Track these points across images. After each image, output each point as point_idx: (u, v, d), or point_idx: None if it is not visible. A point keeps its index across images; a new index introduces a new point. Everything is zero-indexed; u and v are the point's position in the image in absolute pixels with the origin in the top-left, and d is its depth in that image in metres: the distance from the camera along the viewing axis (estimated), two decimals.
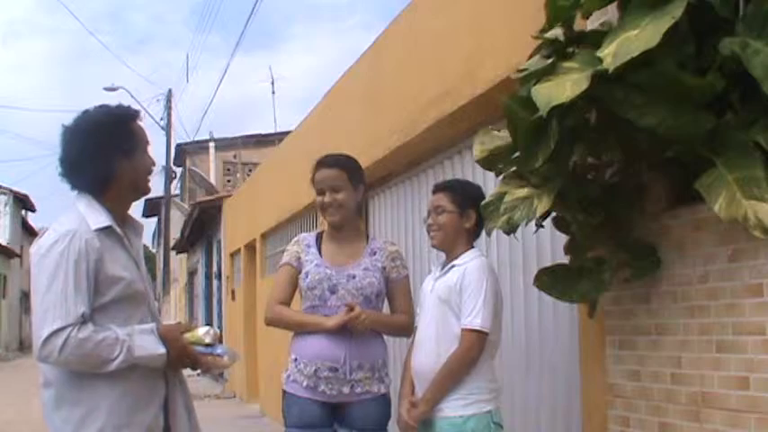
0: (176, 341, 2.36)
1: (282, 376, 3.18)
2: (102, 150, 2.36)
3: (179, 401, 2.49)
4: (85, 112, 2.45)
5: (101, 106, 2.49)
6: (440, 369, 2.75)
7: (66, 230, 2.28)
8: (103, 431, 2.26)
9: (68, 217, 2.35)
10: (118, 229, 2.38)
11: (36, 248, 2.33)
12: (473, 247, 2.94)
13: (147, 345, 2.29)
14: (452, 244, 2.91)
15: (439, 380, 2.76)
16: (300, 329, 3.12)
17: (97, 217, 2.34)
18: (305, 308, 3.15)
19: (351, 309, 2.97)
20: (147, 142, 2.49)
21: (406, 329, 3.09)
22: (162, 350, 2.31)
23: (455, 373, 2.74)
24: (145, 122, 2.55)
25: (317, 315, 3.07)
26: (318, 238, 3.23)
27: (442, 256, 3.00)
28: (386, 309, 3.26)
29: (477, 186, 3.06)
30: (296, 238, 3.31)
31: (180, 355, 2.38)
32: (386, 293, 3.17)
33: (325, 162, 3.20)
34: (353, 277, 3.08)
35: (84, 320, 2.22)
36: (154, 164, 2.55)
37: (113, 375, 2.27)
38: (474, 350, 2.74)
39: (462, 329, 2.74)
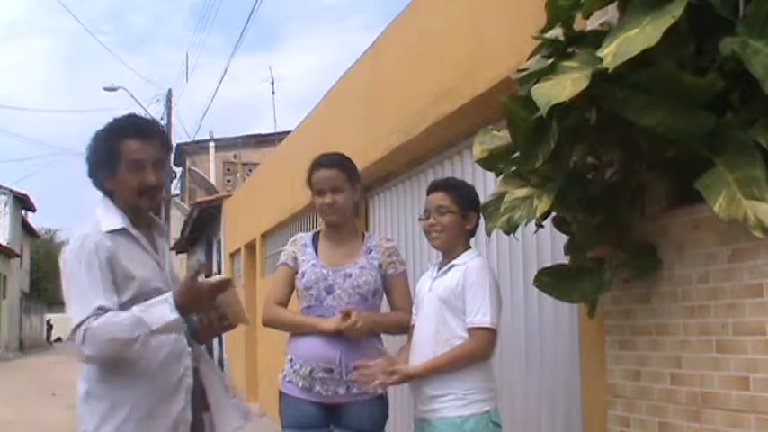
0: (183, 295, 2.35)
1: (279, 377, 3.17)
2: (95, 165, 2.50)
3: (216, 393, 2.57)
4: (108, 121, 2.56)
5: (118, 117, 2.56)
6: (447, 351, 2.75)
7: (78, 236, 2.43)
8: (126, 423, 2.34)
9: (85, 224, 2.49)
10: (132, 231, 2.47)
11: (61, 258, 2.45)
12: (470, 246, 2.94)
13: (161, 315, 2.31)
14: (453, 245, 2.90)
15: (440, 359, 2.75)
16: (296, 330, 3.11)
17: (110, 219, 2.45)
18: (301, 308, 3.15)
19: (347, 314, 2.96)
20: (136, 162, 2.45)
21: (406, 326, 3.08)
22: (174, 315, 2.32)
23: (458, 364, 2.74)
24: (142, 139, 2.47)
25: (313, 316, 3.07)
26: (315, 238, 3.23)
27: (441, 255, 2.99)
28: (384, 306, 3.26)
29: (472, 186, 3.07)
30: (293, 238, 3.30)
31: (192, 300, 2.37)
32: (383, 290, 3.17)
33: (324, 162, 3.18)
34: (349, 276, 3.08)
35: (103, 312, 2.29)
36: (143, 184, 2.46)
37: (138, 370, 2.35)
38: (486, 348, 2.75)
39: (471, 328, 2.74)
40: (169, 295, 2.35)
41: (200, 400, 2.54)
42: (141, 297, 2.38)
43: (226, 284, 2.43)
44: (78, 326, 2.27)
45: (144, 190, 2.47)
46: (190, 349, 2.50)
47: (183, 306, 2.34)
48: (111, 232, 2.42)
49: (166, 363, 2.42)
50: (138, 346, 2.29)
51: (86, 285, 2.32)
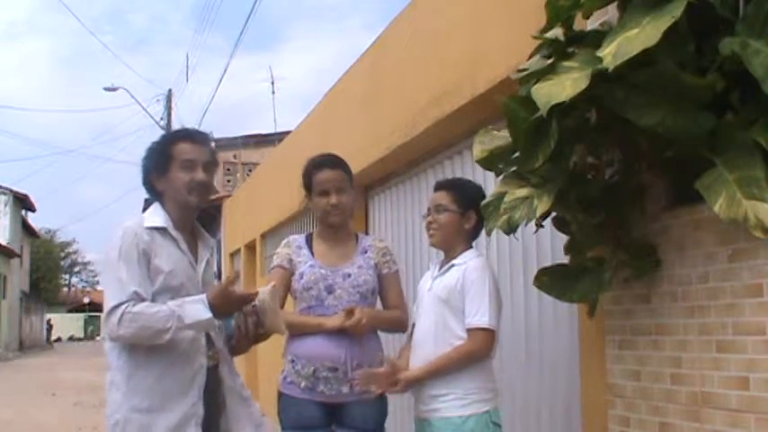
0: (217, 297, 2.56)
1: (278, 378, 3.16)
2: (149, 169, 2.73)
3: (232, 399, 2.74)
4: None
5: (165, 132, 2.82)
6: (446, 353, 2.75)
7: (121, 227, 2.65)
8: (133, 413, 2.55)
9: (130, 219, 2.71)
10: (173, 232, 2.68)
11: (104, 248, 2.68)
12: (471, 247, 2.94)
13: (196, 312, 2.53)
14: (451, 243, 2.91)
15: (439, 362, 2.76)
16: (299, 331, 3.10)
17: (154, 218, 2.69)
18: (300, 309, 3.14)
19: (350, 312, 2.97)
20: (188, 161, 2.68)
21: (402, 325, 3.11)
22: (208, 315, 2.53)
23: (457, 365, 2.74)
24: (194, 143, 2.72)
25: (315, 316, 3.07)
26: (308, 240, 3.23)
27: (442, 255, 3.00)
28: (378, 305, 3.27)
29: (478, 187, 3.06)
30: (285, 241, 3.30)
31: (223, 303, 2.57)
32: (378, 290, 3.18)
33: (327, 163, 3.18)
34: (349, 276, 3.09)
35: (139, 298, 2.52)
36: (194, 180, 2.69)
37: (151, 365, 2.56)
38: (485, 348, 2.75)
39: (470, 329, 2.74)
40: (204, 296, 2.56)
41: (217, 398, 2.71)
42: (166, 290, 2.60)
43: (253, 296, 2.63)
44: (116, 307, 2.49)
45: (193, 187, 2.69)
46: (206, 348, 2.66)
47: (215, 307, 2.54)
48: (151, 228, 2.64)
49: (180, 360, 2.59)
50: (169, 336, 2.50)
51: (124, 272, 2.54)
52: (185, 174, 2.68)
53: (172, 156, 2.69)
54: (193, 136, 2.76)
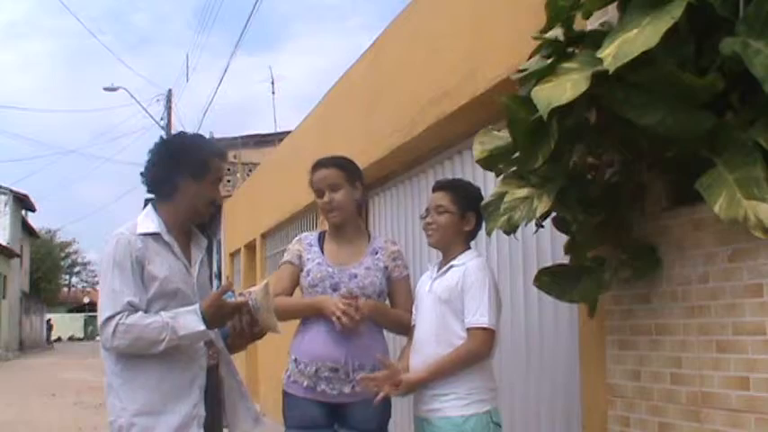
0: (210, 307, 2.58)
1: (283, 377, 3.18)
2: (177, 167, 2.69)
3: (232, 396, 2.79)
4: (180, 134, 2.95)
5: (197, 134, 2.97)
6: (447, 355, 2.75)
7: (114, 235, 2.65)
8: (138, 416, 2.56)
9: (124, 224, 2.71)
10: (166, 237, 2.68)
11: (101, 253, 2.72)
12: (469, 247, 2.94)
13: (189, 324, 2.54)
14: (450, 244, 2.91)
15: (441, 364, 2.76)
16: (300, 315, 3.10)
17: (147, 223, 2.68)
18: None
19: (350, 298, 2.98)
20: (218, 180, 2.78)
21: (407, 326, 3.08)
22: (201, 327, 2.55)
23: (459, 366, 2.74)
24: (226, 164, 2.81)
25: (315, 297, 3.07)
26: (321, 238, 3.24)
27: (442, 256, 2.99)
28: None
29: (477, 188, 3.06)
30: (297, 237, 3.31)
31: (217, 314, 2.59)
32: (387, 293, 3.17)
33: (322, 163, 3.21)
34: (355, 276, 3.09)
35: (132, 309, 2.53)
36: (217, 200, 2.80)
37: (150, 368, 2.56)
38: (485, 348, 2.75)
39: (470, 328, 2.74)
40: (197, 307, 2.57)
41: (218, 398, 2.74)
42: (162, 296, 2.60)
43: (246, 305, 2.65)
44: (110, 318, 2.51)
45: (212, 203, 2.79)
46: (205, 349, 2.68)
47: (208, 318, 2.56)
48: (145, 235, 2.64)
49: (180, 362, 2.60)
50: (162, 347, 2.52)
51: (118, 281, 2.54)
52: (214, 189, 2.77)
53: (210, 168, 2.73)
54: (225, 156, 2.85)
